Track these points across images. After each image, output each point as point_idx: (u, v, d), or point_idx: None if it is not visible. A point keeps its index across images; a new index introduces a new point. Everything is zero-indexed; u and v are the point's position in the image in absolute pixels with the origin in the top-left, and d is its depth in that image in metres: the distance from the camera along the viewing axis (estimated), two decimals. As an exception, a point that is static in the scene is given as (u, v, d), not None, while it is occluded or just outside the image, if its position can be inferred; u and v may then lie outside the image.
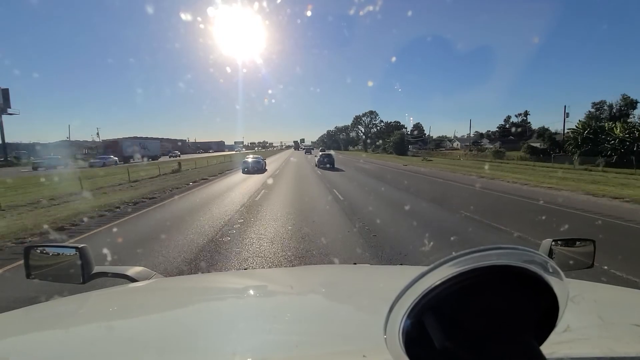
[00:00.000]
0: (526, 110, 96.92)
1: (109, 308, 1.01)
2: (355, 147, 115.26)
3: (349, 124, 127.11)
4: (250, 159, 22.05)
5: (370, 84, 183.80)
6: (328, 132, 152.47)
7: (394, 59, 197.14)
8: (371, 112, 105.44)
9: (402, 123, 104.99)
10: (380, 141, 79.75)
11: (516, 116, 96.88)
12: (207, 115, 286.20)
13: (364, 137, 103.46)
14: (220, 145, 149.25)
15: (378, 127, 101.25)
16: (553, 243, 1.15)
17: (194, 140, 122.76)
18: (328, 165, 23.31)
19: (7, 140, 46.20)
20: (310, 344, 0.71)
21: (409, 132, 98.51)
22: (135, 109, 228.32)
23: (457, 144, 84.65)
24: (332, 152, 31.99)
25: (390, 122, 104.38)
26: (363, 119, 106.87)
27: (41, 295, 2.52)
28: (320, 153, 27.85)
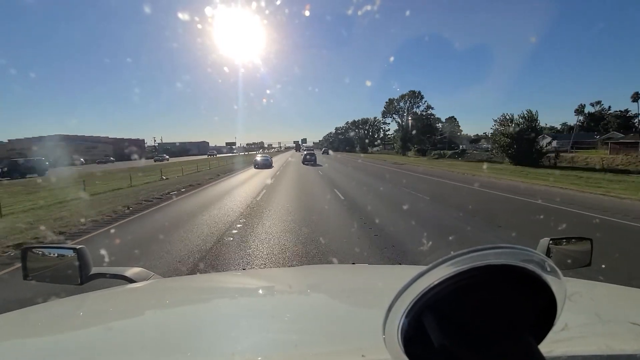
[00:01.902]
0: (636, 92, 64.55)
1: (107, 309, 1.01)
2: (376, 148, 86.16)
3: (371, 117, 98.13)
4: (259, 157, 28.61)
5: (368, 83, 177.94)
6: (337, 129, 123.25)
7: (405, 55, 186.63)
8: (413, 94, 67.45)
9: (436, 116, 77.13)
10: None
11: (592, 105, 66.03)
12: (204, 115, 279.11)
13: (400, 132, 67.28)
14: (202, 148, 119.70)
15: (427, 117, 67.10)
16: (551, 242, 1.16)
17: (160, 142, 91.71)
18: (311, 162, 29.71)
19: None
20: (309, 343, 0.71)
21: (441, 130, 69.87)
22: (125, 110, 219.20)
23: (551, 143, 55.06)
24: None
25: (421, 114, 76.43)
26: (401, 104, 70.05)
27: (38, 296, 2.21)
28: (305, 152, 36.35)
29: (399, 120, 70.90)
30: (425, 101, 68.75)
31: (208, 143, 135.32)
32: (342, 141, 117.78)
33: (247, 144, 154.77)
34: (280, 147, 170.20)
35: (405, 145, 64.40)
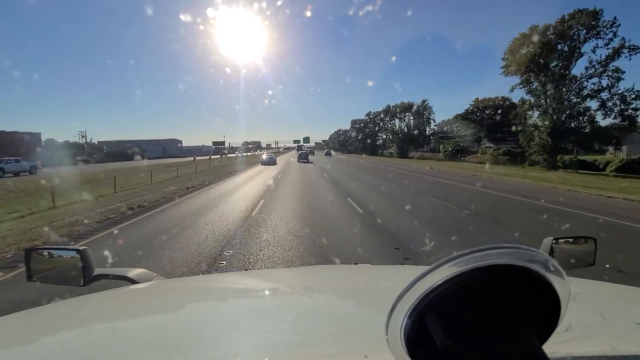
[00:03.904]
0: None
1: (111, 310, 1.01)
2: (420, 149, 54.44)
3: (416, 100, 64.83)
4: (265, 156, 36.98)
5: (370, 83, 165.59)
6: (353, 122, 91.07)
7: (408, 54, 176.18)
8: (589, 14, 25.90)
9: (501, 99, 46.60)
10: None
11: None
12: (205, 115, 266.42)
13: (548, 116, 29.02)
14: (171, 147, 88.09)
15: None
16: (554, 241, 1.14)
17: (83, 138, 57.80)
18: (305, 160, 37.40)
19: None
20: (312, 343, 0.70)
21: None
22: (119, 110, 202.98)
23: None
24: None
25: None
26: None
27: (42, 297, 2.33)
28: (300, 152, 42.51)
29: (545, 86, 29.53)
30: (624, 41, 25.82)
31: (181, 142, 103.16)
32: (362, 140, 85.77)
33: (243, 143, 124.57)
34: (278, 147, 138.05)
35: (557, 146, 29.29)
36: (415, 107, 64.28)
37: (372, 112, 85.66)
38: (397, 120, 69.06)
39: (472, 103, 62.79)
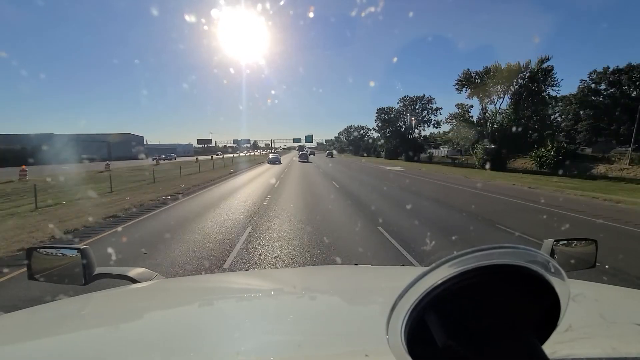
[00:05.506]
0: None
1: (112, 309, 1.01)
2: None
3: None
4: (271, 155, 40.62)
5: (372, 83, 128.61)
6: (379, 112, 61.77)
7: (409, 54, 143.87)
8: None
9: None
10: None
11: None
12: (208, 115, 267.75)
13: None
14: (117, 147, 61.84)
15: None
16: (555, 243, 1.15)
17: None
18: (305, 160, 41.16)
19: None
20: (313, 344, 0.71)
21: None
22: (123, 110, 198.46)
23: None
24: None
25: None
26: None
27: (45, 295, 2.32)
28: (300, 152, 45.06)
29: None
30: None
31: (143, 138, 76.51)
32: (393, 137, 58.42)
33: (234, 140, 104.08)
34: (276, 147, 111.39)
35: None
36: (527, 74, 30.78)
37: (409, 96, 58.03)
38: (477, 101, 35.12)
39: (589, 79, 33.55)
